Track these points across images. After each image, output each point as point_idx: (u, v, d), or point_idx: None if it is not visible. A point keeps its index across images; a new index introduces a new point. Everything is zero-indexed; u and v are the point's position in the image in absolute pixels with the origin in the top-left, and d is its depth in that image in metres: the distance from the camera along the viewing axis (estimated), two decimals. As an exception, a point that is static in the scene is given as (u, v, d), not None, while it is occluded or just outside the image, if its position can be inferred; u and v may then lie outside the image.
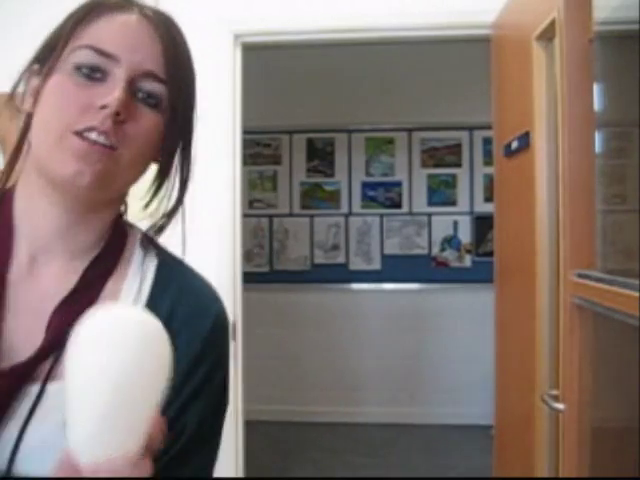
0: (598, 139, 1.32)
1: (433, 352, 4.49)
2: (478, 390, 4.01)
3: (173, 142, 0.75)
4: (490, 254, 2.57)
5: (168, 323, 0.67)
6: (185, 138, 0.77)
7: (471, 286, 4.33)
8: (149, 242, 0.79)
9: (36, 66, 0.72)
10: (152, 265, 0.76)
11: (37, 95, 0.69)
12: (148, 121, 0.70)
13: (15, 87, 0.72)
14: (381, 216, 4.65)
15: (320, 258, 4.67)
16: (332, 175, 4.69)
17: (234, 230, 2.31)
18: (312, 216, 4.68)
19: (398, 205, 4.64)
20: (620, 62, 1.25)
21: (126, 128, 0.68)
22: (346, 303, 4.57)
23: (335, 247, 4.67)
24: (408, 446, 4.05)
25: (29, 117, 0.71)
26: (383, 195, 4.66)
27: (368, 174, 4.67)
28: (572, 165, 1.41)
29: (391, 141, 4.64)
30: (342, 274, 4.62)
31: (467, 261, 4.58)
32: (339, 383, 4.52)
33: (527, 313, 1.74)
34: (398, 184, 4.64)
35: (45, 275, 0.72)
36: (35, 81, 0.71)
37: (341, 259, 4.66)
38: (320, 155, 4.70)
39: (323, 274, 4.62)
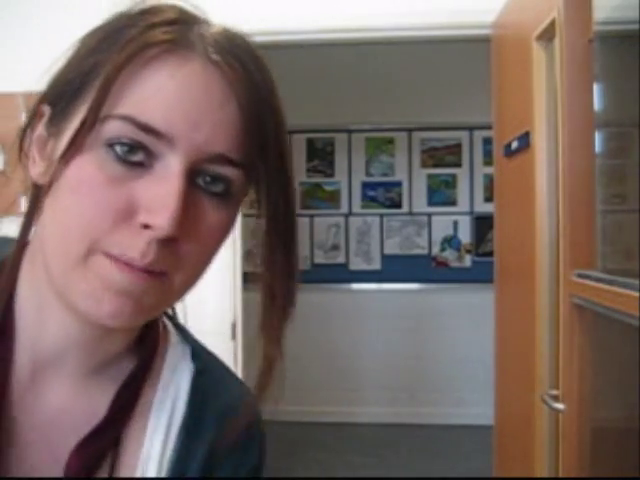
0: (598, 139, 1.32)
1: (433, 352, 4.49)
2: (478, 390, 4.01)
3: (274, 263, 0.55)
4: (490, 254, 2.57)
5: (210, 457, 0.59)
6: (284, 243, 0.55)
7: (471, 286, 4.33)
8: (183, 342, 0.62)
9: (46, 108, 0.51)
10: (186, 377, 0.60)
11: (54, 174, 0.47)
12: (211, 222, 0.50)
13: (23, 134, 0.53)
14: (381, 216, 4.65)
15: (320, 258, 4.66)
16: (332, 175, 4.69)
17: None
18: (312, 216, 4.68)
19: (398, 205, 4.64)
20: (620, 62, 1.25)
21: (180, 245, 0.48)
22: (346, 303, 4.57)
23: (335, 247, 4.67)
24: (408, 446, 4.05)
25: (37, 188, 0.51)
26: (383, 195, 4.66)
27: (368, 174, 4.67)
28: (572, 165, 1.41)
29: (391, 141, 4.64)
30: (342, 274, 4.62)
31: (467, 261, 4.58)
32: (339, 383, 4.52)
33: (527, 313, 1.74)
34: (398, 184, 4.64)
35: (54, 393, 0.55)
36: (42, 131, 0.51)
37: (341, 259, 4.66)
38: (320, 155, 4.70)
39: (323, 274, 4.62)
